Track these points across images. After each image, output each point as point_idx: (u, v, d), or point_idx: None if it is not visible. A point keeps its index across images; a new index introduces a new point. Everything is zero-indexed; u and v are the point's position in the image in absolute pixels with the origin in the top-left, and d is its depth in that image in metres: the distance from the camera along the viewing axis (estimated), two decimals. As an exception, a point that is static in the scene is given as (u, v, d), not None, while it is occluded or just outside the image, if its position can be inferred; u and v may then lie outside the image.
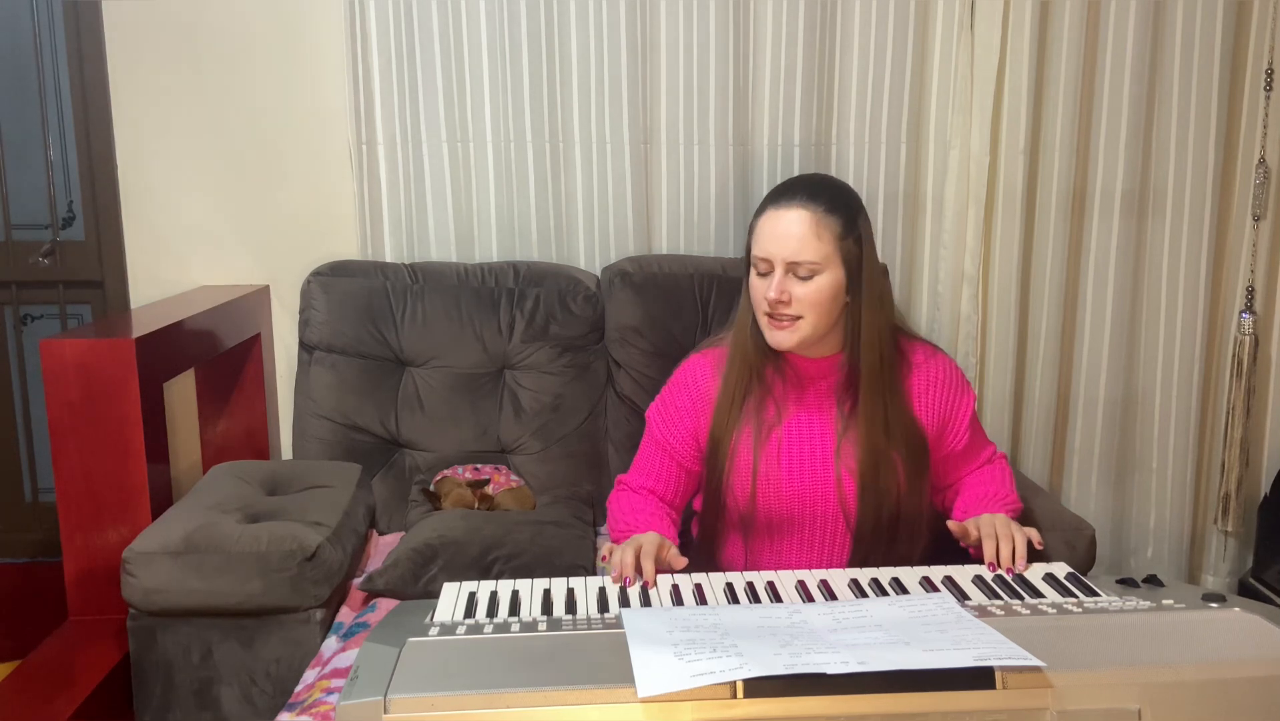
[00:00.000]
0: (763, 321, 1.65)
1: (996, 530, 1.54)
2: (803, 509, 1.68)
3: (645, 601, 1.41)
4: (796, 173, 2.42)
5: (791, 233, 1.59)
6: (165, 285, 2.45)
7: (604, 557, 1.57)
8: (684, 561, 1.54)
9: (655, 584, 1.47)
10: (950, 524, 1.62)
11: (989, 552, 1.52)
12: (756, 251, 1.63)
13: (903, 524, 1.67)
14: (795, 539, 1.71)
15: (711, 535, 1.74)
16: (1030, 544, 1.54)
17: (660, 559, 1.52)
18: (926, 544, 1.76)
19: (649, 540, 1.53)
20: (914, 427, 1.69)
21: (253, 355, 2.42)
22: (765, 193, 2.38)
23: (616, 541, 1.68)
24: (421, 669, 1.12)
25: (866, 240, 1.65)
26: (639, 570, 1.48)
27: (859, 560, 1.68)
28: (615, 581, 1.47)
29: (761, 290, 1.62)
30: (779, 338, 1.63)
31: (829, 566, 1.70)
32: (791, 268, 1.59)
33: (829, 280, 1.60)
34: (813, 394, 1.71)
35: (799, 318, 1.61)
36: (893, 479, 1.66)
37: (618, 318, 2.30)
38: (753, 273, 1.66)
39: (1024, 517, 1.84)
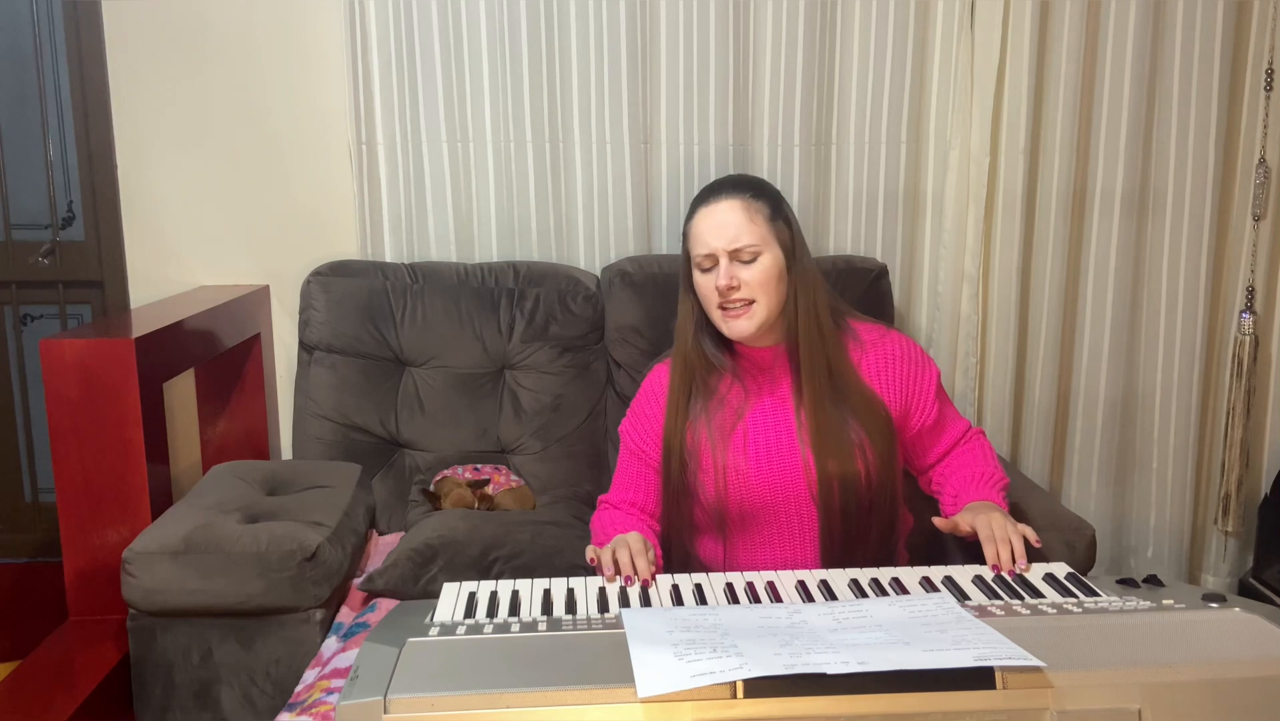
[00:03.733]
0: (716, 316, 1.68)
1: (994, 532, 1.54)
2: (774, 498, 1.68)
3: (645, 601, 1.41)
4: (796, 173, 2.43)
5: (727, 221, 1.65)
6: (165, 285, 2.45)
7: (592, 560, 1.55)
8: (660, 567, 1.54)
9: (654, 581, 1.46)
10: (937, 521, 1.62)
11: (990, 556, 1.52)
12: (697, 250, 1.67)
13: (875, 507, 1.66)
14: (771, 530, 1.70)
15: (678, 540, 1.73)
16: (1028, 542, 1.54)
17: None
18: (910, 529, 1.75)
19: (634, 538, 1.53)
20: (871, 404, 1.68)
21: (253, 355, 2.42)
22: (765, 192, 2.42)
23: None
24: (421, 669, 1.12)
25: (795, 224, 1.71)
26: (635, 567, 1.48)
27: (829, 544, 1.67)
28: (609, 580, 1.47)
29: (709, 284, 1.66)
30: (738, 326, 1.66)
31: (807, 555, 1.69)
32: (734, 255, 1.64)
33: (771, 260, 1.65)
34: (770, 384, 1.71)
35: (751, 302, 1.65)
36: (855, 457, 1.65)
37: (618, 317, 2.30)
38: (696, 274, 1.69)
39: (1021, 518, 1.84)
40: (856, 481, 1.65)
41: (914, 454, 1.78)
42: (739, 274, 1.63)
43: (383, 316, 2.29)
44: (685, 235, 1.72)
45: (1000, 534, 1.53)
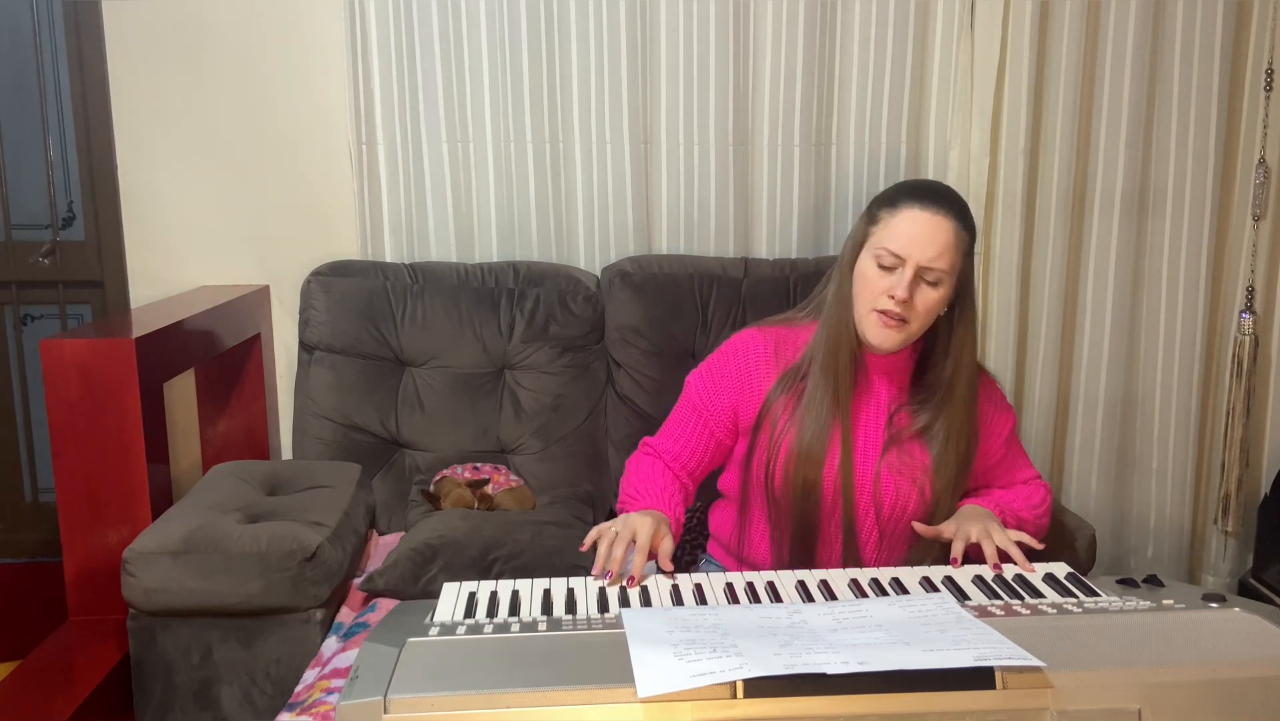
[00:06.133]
0: (869, 317, 1.62)
1: (970, 533, 1.55)
2: (835, 494, 1.68)
3: (645, 601, 1.41)
4: (797, 173, 2.43)
5: (936, 239, 1.57)
6: (165, 285, 2.44)
7: (585, 547, 1.53)
8: (670, 567, 1.50)
9: (637, 582, 1.45)
10: (917, 526, 1.63)
11: (956, 550, 1.53)
12: (891, 245, 1.58)
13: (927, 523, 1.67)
14: (823, 526, 1.69)
15: (744, 513, 1.73)
16: (1025, 545, 1.55)
17: (653, 547, 1.50)
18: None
19: (643, 532, 1.50)
20: (972, 445, 1.69)
21: (253, 355, 2.42)
22: (766, 193, 2.43)
23: (621, 504, 1.68)
24: (421, 669, 1.12)
25: (972, 264, 1.67)
26: (625, 564, 1.46)
27: (883, 556, 1.68)
28: (594, 576, 1.45)
29: (881, 285, 1.59)
30: (885, 335, 1.61)
31: (854, 555, 1.70)
32: (921, 271, 1.58)
33: (944, 292, 1.61)
34: (864, 386, 1.70)
35: (905, 321, 1.60)
36: (927, 482, 1.66)
37: (618, 317, 2.30)
38: (866, 261, 1.62)
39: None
40: (925, 507, 1.66)
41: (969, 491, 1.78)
42: (914, 292, 1.58)
43: (383, 316, 2.29)
44: (875, 219, 1.63)
45: (978, 530, 1.54)
